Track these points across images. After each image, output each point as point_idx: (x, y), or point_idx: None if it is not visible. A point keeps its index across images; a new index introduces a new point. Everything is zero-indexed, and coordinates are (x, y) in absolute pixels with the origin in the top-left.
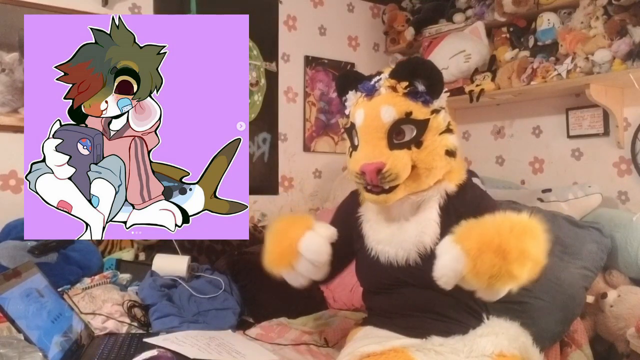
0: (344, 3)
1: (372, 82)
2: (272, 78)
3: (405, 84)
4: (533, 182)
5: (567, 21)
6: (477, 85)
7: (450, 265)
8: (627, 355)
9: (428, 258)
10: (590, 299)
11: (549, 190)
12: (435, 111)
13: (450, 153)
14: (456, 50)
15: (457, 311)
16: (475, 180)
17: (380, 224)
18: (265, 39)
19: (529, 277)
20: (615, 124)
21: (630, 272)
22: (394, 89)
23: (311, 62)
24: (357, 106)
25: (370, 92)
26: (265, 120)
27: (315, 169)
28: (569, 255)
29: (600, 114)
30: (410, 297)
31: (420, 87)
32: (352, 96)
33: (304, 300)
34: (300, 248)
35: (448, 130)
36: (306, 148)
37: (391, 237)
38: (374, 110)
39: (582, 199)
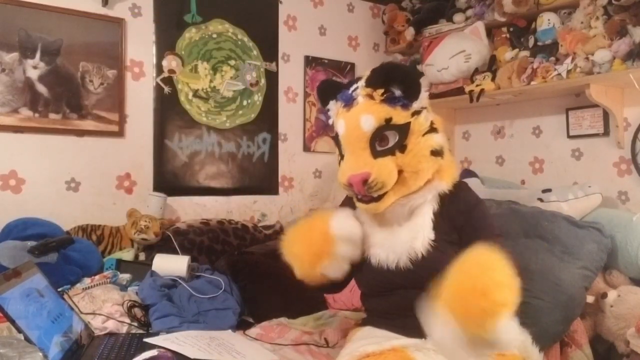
0: (344, 3)
1: (350, 92)
2: (272, 78)
3: (381, 91)
4: (533, 182)
5: (567, 21)
6: (477, 85)
7: (447, 336)
8: (627, 355)
9: (419, 262)
10: (590, 299)
11: (549, 190)
12: (416, 113)
13: (436, 152)
14: (456, 50)
15: None
16: (475, 180)
17: (374, 227)
18: (265, 39)
19: (515, 300)
20: (615, 124)
21: (630, 272)
22: (370, 97)
23: (311, 62)
24: (338, 116)
25: (349, 102)
26: (265, 120)
27: (315, 169)
28: (569, 255)
29: (600, 114)
30: (407, 299)
31: (397, 92)
32: (332, 106)
33: (304, 300)
34: (333, 229)
35: (432, 129)
36: (306, 148)
37: (383, 240)
38: (354, 120)
39: (582, 199)
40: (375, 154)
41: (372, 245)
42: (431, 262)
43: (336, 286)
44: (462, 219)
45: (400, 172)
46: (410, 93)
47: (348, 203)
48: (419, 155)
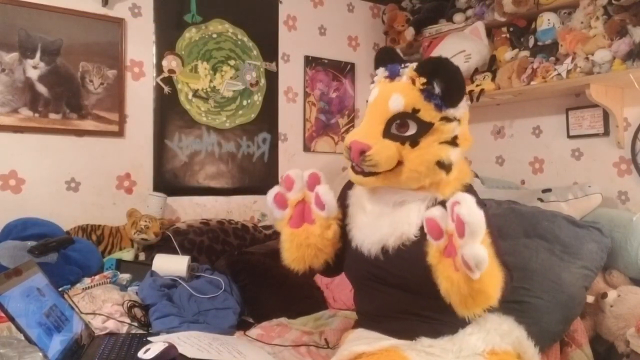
0: (344, 3)
1: (400, 67)
2: (272, 78)
3: (423, 80)
4: (533, 182)
5: (567, 21)
6: (477, 85)
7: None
8: (627, 355)
9: (390, 258)
10: (590, 299)
11: (549, 190)
12: (446, 119)
13: (442, 165)
14: (456, 50)
15: (442, 313)
16: (475, 180)
17: (363, 209)
18: (265, 39)
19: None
20: (615, 124)
21: (630, 272)
22: (413, 81)
23: (311, 62)
24: (377, 84)
25: (393, 76)
26: (265, 120)
27: (315, 169)
28: (569, 255)
29: (600, 114)
30: (393, 300)
31: (437, 90)
32: (379, 73)
33: (304, 300)
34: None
35: (453, 142)
36: (306, 148)
37: (364, 225)
38: (386, 94)
39: (582, 199)
40: (386, 134)
41: (354, 227)
42: (403, 259)
43: (330, 268)
44: None
45: (400, 162)
46: (449, 96)
47: (340, 194)
48: (423, 158)
